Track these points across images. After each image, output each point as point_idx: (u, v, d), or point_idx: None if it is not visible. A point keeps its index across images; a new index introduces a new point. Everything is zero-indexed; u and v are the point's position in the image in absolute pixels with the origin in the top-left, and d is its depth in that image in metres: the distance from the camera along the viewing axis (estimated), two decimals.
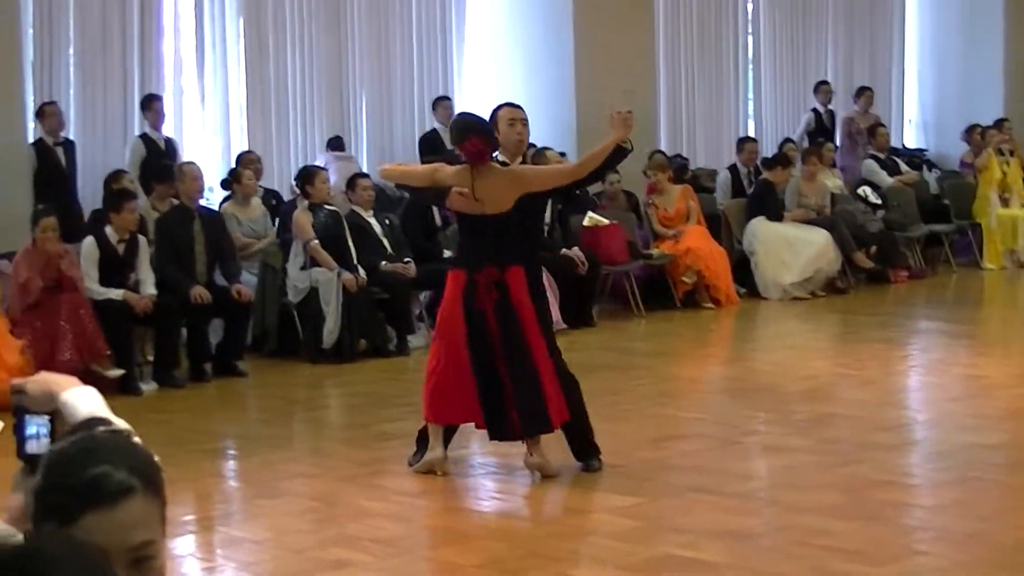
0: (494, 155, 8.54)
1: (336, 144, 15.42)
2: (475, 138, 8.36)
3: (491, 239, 8.42)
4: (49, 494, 2.50)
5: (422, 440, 8.83)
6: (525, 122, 8.83)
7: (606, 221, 14.85)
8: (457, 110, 15.66)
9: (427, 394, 8.66)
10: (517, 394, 8.32)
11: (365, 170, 14.89)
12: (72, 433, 2.85)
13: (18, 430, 3.04)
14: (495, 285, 8.34)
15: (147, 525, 2.52)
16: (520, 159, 8.91)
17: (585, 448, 8.63)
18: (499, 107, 8.98)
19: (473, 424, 8.79)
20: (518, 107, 8.97)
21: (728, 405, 11.38)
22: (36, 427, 3.03)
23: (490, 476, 9.24)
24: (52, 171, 13.43)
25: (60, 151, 13.55)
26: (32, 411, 3.05)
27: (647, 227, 15.77)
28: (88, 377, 11.20)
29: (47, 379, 3.11)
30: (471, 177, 8.34)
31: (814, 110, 19.01)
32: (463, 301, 8.40)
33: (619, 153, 8.52)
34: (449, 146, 9.01)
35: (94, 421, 3.01)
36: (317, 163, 14.63)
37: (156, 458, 2.65)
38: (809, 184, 16.59)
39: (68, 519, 2.38)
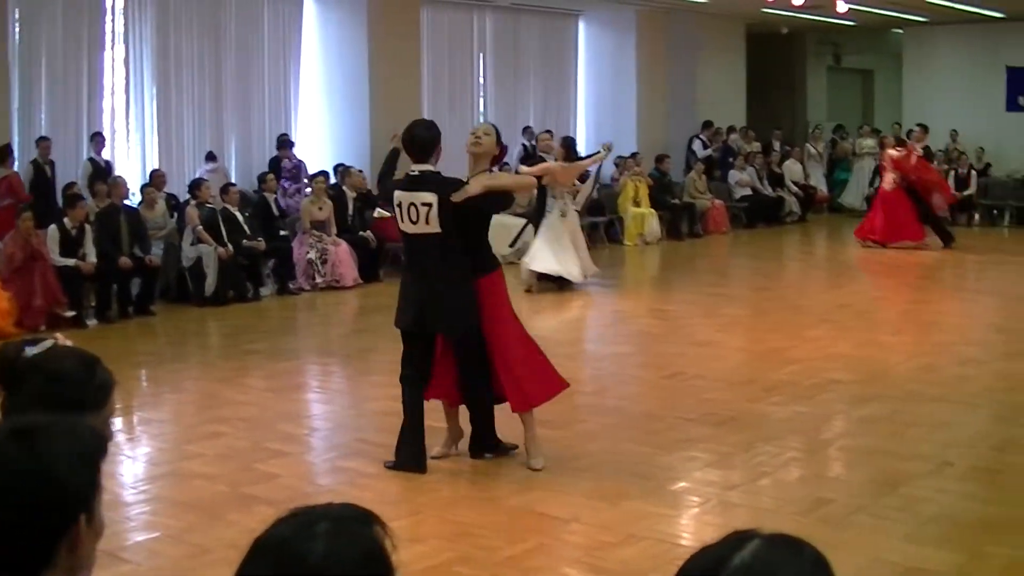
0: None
1: (211, 156, 15.06)
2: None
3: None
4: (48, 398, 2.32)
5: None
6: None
7: (388, 214, 14.83)
8: (295, 145, 15.59)
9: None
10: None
11: (233, 180, 14.75)
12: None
13: None
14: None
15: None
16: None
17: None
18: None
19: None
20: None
21: None
22: None
23: (317, 377, 9.33)
24: (44, 182, 13.12)
25: (48, 169, 13.18)
26: None
27: None
28: (52, 317, 11.05)
29: None
30: None
31: (524, 145, 19.24)
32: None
33: (395, 153, 6.72)
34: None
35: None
36: (200, 173, 14.50)
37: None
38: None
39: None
